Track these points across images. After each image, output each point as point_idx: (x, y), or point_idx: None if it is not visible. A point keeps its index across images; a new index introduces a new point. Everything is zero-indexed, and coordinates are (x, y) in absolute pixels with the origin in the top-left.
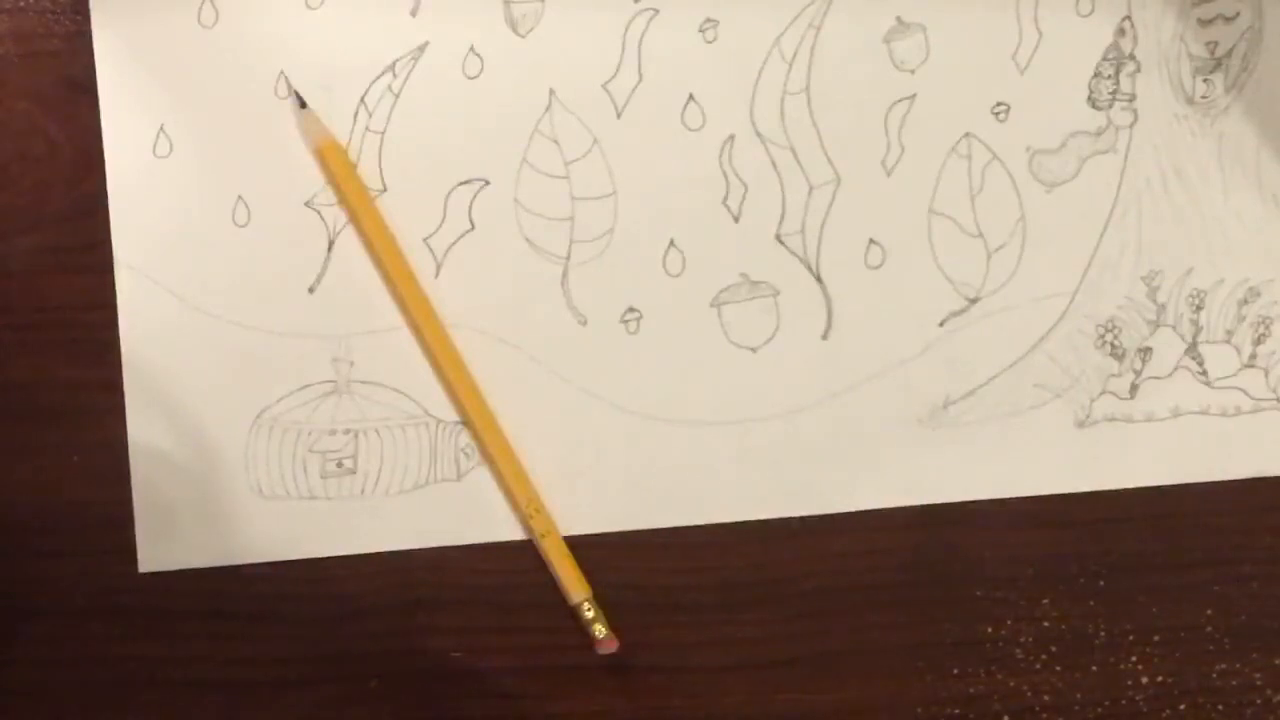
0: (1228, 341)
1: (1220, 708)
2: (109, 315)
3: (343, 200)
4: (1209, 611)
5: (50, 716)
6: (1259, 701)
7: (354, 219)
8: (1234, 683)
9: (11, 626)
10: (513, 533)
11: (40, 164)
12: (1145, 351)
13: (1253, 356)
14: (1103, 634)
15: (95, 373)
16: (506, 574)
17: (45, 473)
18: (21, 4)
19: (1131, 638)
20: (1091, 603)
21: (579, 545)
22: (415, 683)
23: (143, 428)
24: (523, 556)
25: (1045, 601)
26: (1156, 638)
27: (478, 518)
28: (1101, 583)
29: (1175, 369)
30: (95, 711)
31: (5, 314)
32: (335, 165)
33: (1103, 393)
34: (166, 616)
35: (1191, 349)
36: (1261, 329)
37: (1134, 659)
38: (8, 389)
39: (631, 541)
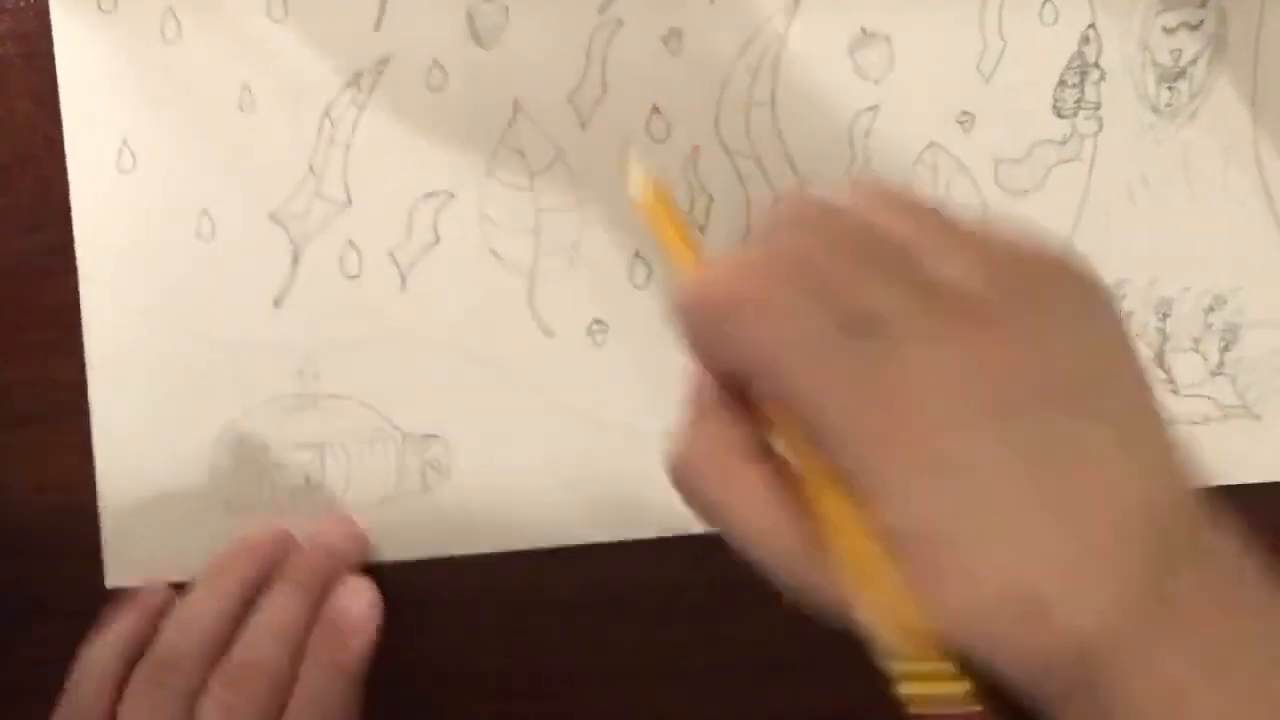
0: (1195, 349)
1: None
2: None
3: (664, 246)
4: None
5: (50, 717)
6: None
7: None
8: None
9: (11, 626)
10: (483, 545)
11: (40, 164)
12: None
13: (1220, 364)
14: None
15: None
16: (482, 586)
17: (45, 473)
18: (21, 4)
19: None
20: None
21: (574, 553)
22: (417, 683)
23: (109, 443)
24: (495, 569)
25: None
26: None
27: (445, 531)
28: None
29: None
30: None
31: (5, 314)
32: (662, 208)
33: None
34: None
35: (1159, 358)
36: (1228, 336)
37: None
38: (8, 389)
39: (628, 545)
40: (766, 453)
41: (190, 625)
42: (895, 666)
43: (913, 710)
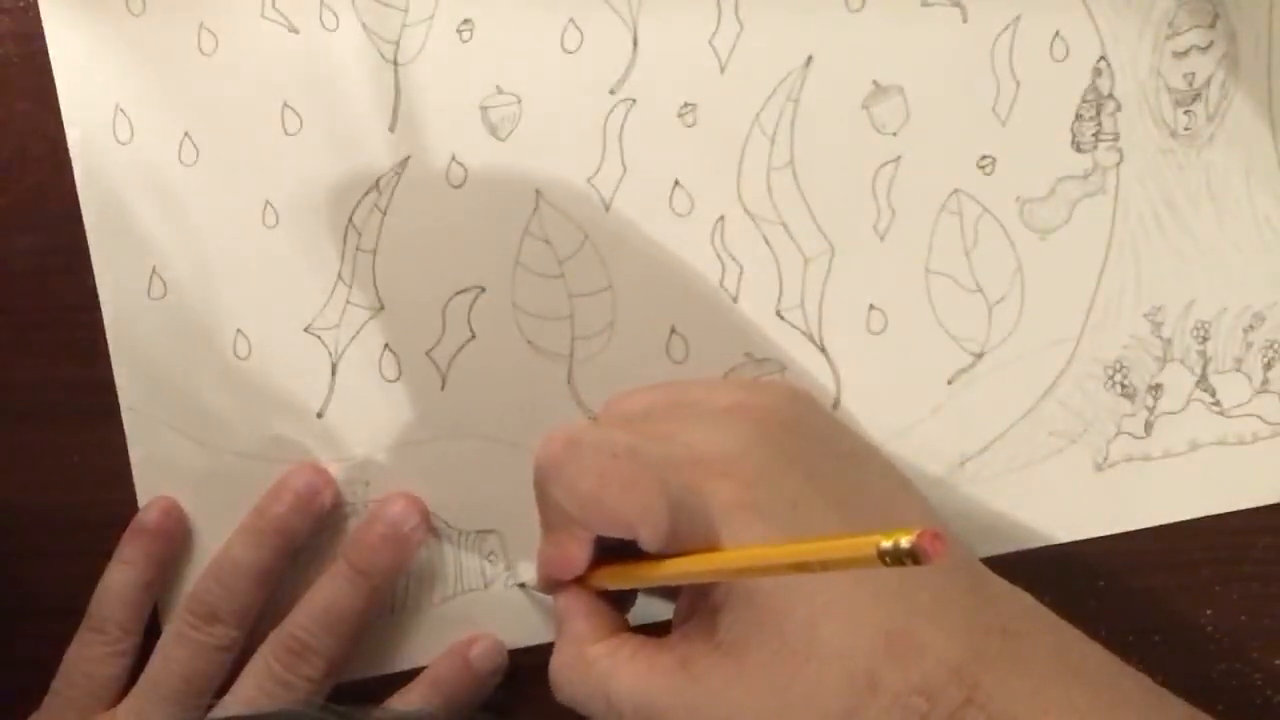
0: (1238, 369)
1: (1220, 708)
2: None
3: None
4: (1209, 611)
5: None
6: (1259, 701)
7: None
8: (1234, 683)
9: (11, 626)
10: (550, 634)
11: (40, 164)
12: (1156, 388)
13: (1264, 382)
14: (1103, 634)
15: (95, 373)
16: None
17: (45, 473)
18: (21, 4)
19: (1131, 638)
20: (1091, 603)
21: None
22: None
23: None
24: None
25: (1046, 601)
26: (1156, 638)
27: (511, 624)
28: (1101, 583)
29: (1188, 402)
30: (95, 712)
31: (5, 314)
32: None
33: (1118, 434)
34: None
35: (1202, 380)
36: (1270, 353)
37: (1134, 659)
38: (8, 389)
39: None
40: (619, 627)
41: (233, 582)
42: None
43: None
